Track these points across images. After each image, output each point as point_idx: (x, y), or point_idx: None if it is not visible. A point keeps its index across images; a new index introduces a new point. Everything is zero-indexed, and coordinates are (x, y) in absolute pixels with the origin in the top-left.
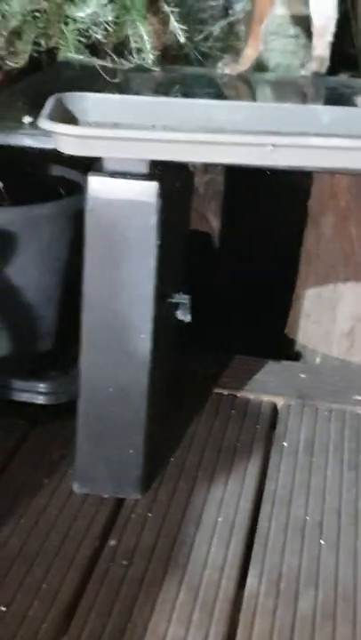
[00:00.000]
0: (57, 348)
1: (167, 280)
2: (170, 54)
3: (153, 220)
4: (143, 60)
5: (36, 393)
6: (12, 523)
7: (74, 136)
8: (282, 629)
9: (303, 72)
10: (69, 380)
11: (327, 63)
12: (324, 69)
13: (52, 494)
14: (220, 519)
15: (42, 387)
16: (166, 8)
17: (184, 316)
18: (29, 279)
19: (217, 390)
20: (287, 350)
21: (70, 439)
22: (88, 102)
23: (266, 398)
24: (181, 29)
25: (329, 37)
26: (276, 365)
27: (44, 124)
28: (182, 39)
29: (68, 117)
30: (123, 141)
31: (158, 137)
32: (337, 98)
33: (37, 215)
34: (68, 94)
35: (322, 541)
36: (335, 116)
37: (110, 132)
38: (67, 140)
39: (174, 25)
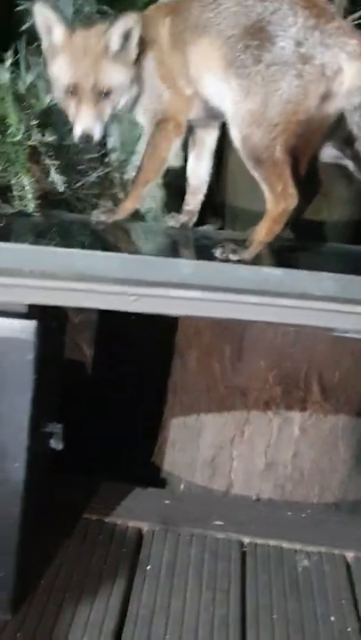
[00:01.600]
0: None
1: (42, 410)
2: (51, 199)
3: (30, 356)
4: (25, 206)
5: None
6: None
7: None
8: None
9: (172, 223)
10: None
11: (195, 218)
12: (191, 223)
13: None
14: (84, 639)
15: None
16: (47, 161)
17: (57, 444)
18: None
19: (86, 515)
20: (154, 477)
21: None
22: None
23: (132, 524)
24: (61, 179)
25: (201, 197)
26: (142, 492)
27: None
28: (61, 188)
29: None
30: (3, 287)
31: (34, 284)
32: (199, 248)
33: None
34: None
35: None
36: (194, 269)
37: None
38: None
39: (54, 176)
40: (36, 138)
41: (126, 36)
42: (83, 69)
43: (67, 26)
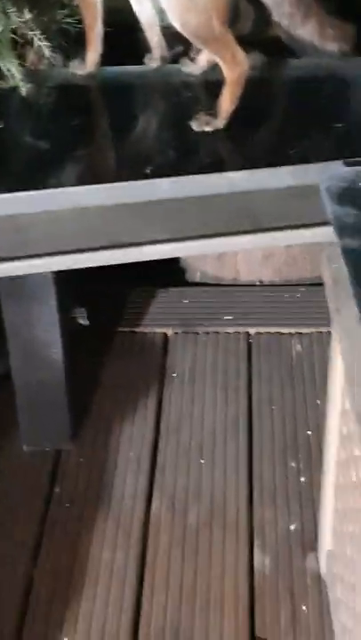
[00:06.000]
0: None
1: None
2: None
3: None
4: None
5: None
6: None
7: None
8: (177, 539)
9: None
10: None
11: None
12: None
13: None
14: (130, 454)
15: None
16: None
17: (84, 321)
18: None
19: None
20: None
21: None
22: None
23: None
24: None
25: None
26: (165, 295)
27: None
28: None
29: None
30: None
31: None
32: None
33: None
34: None
35: (202, 460)
36: None
37: None
38: None
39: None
40: (13, 20)
41: None
42: None
43: None
